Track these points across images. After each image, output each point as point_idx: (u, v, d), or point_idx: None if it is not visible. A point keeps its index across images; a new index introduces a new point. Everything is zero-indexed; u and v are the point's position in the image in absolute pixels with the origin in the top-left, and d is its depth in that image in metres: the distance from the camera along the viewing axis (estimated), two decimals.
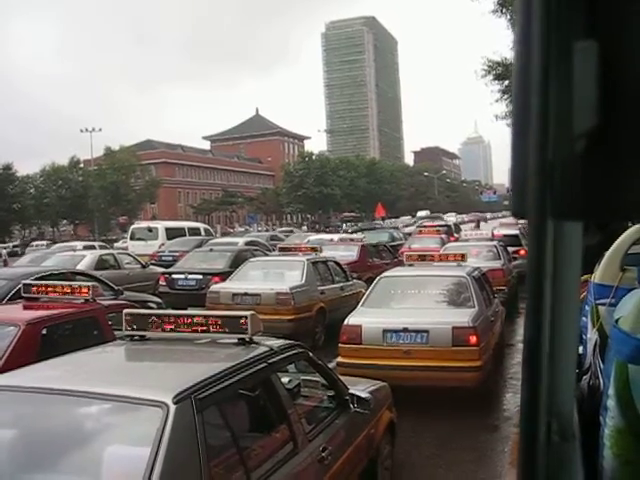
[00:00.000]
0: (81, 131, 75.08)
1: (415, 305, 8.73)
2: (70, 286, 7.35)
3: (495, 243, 16.84)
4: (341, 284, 13.72)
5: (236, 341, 4.12)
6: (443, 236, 25.22)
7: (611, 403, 1.57)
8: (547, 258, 0.59)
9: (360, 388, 5.28)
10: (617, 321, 1.67)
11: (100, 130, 75.27)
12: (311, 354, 4.79)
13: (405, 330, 7.96)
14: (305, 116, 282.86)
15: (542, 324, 0.61)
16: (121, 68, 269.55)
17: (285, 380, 4.44)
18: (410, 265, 10.41)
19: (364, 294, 9.81)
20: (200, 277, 15.71)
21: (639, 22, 0.59)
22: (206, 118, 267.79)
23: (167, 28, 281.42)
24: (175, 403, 3.05)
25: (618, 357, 1.55)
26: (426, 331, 7.87)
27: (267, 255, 17.67)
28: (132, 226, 35.94)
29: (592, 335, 2.05)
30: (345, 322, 8.45)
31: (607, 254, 1.95)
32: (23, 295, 7.36)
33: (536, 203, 0.56)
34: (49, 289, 7.25)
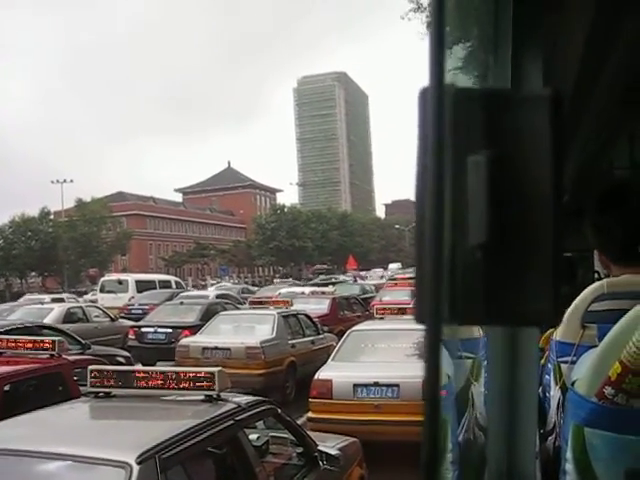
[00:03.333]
0: (52, 182, 74.97)
1: (386, 359, 8.70)
2: (35, 340, 7.22)
3: None
4: (312, 338, 13.65)
5: (203, 398, 4.07)
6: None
7: (569, 467, 1.57)
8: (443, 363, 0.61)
9: (330, 444, 5.22)
10: (573, 383, 1.67)
11: (71, 181, 75.29)
12: (279, 410, 4.74)
13: (376, 384, 7.92)
14: (277, 169, 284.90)
15: (437, 440, 0.62)
16: (92, 119, 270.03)
17: (253, 437, 4.37)
18: (381, 318, 10.41)
19: (335, 348, 9.77)
20: (170, 331, 15.53)
21: (524, 140, 0.62)
22: (178, 170, 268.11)
23: (140, 80, 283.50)
24: (138, 463, 2.99)
25: (575, 420, 1.56)
26: (397, 385, 7.84)
27: (238, 308, 17.59)
28: (102, 278, 35.67)
29: (555, 393, 2.06)
30: (315, 377, 8.40)
31: (568, 311, 1.96)
32: None
33: (433, 309, 0.58)
34: (13, 343, 7.10)
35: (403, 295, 22.52)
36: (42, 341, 7.21)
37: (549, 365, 2.18)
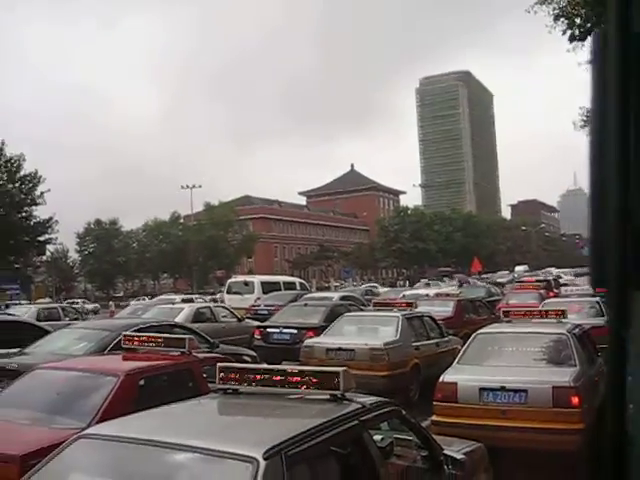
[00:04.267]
0: (182, 187, 77.79)
1: (513, 363, 8.45)
2: (167, 338, 7.53)
3: (598, 299, 16.00)
4: (436, 340, 13.47)
5: (328, 397, 4.07)
6: (542, 291, 24.57)
7: None
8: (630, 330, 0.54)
9: (455, 449, 5.10)
10: None
11: (200, 187, 77.77)
12: (404, 412, 4.69)
13: (502, 389, 7.71)
14: (400, 171, 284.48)
15: (623, 394, 0.56)
16: (220, 126, 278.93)
17: (377, 438, 4.34)
18: (508, 321, 10.13)
19: (460, 351, 9.60)
20: (295, 331, 15.75)
21: None
22: (302, 174, 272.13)
23: (263, 86, 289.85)
24: (265, 459, 3.02)
25: None
26: (524, 390, 7.59)
27: (362, 310, 17.61)
28: (229, 280, 36.58)
29: None
30: (440, 379, 8.27)
31: None
32: (123, 346, 7.58)
33: (617, 273, 0.52)
34: (147, 341, 7.44)
35: (530, 298, 21.91)
36: (173, 339, 7.51)
37: None
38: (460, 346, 11.50)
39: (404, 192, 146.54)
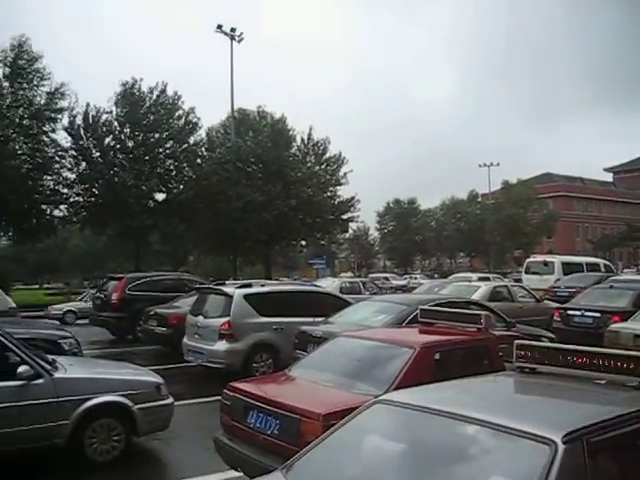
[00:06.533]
0: (479, 166, 77.28)
1: None
2: (463, 314, 7.52)
3: None
4: None
5: (636, 384, 3.74)
6: None
7: None
8: None
9: None
10: None
11: (498, 164, 76.72)
12: None
13: None
14: None
15: None
16: (521, 101, 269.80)
17: None
18: None
19: None
20: (598, 315, 14.97)
21: None
22: (608, 148, 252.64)
23: (566, 55, 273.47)
24: (564, 443, 2.85)
25: None
26: None
27: None
28: (527, 260, 35.70)
29: None
30: None
31: None
32: (420, 320, 7.74)
33: None
34: (444, 316, 7.50)
35: None
36: (470, 315, 7.48)
37: None
38: None
39: None
